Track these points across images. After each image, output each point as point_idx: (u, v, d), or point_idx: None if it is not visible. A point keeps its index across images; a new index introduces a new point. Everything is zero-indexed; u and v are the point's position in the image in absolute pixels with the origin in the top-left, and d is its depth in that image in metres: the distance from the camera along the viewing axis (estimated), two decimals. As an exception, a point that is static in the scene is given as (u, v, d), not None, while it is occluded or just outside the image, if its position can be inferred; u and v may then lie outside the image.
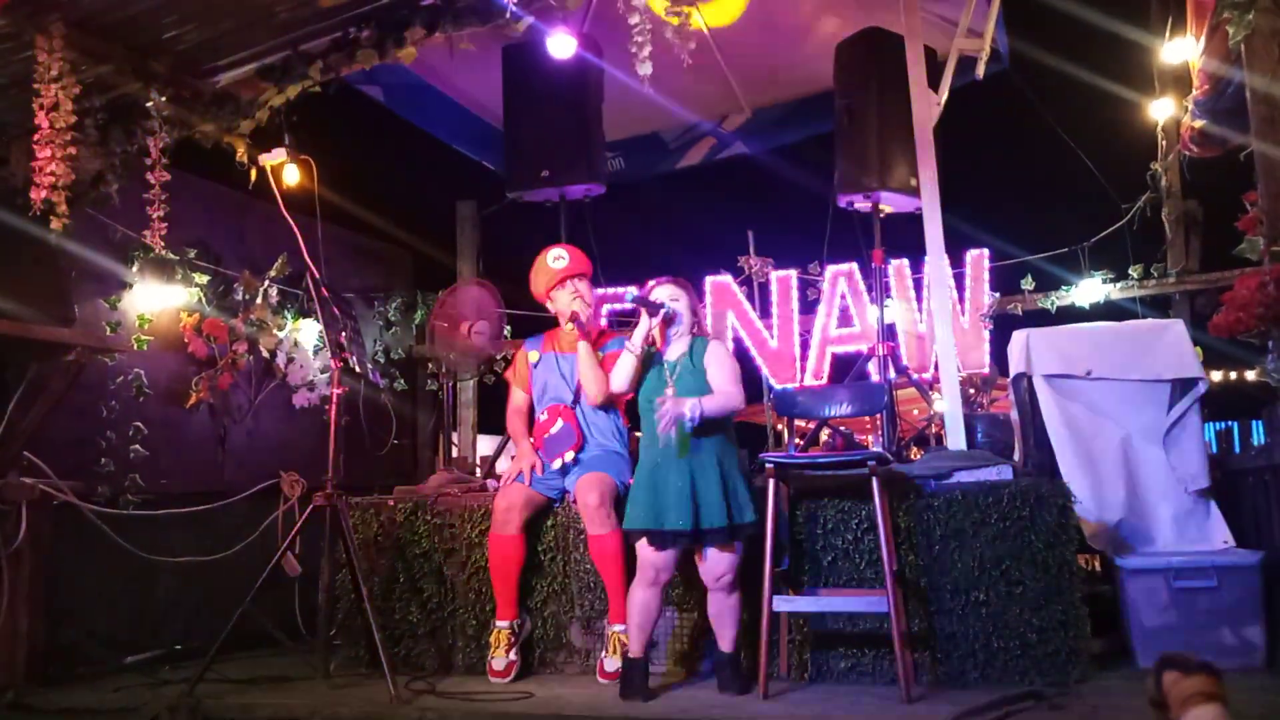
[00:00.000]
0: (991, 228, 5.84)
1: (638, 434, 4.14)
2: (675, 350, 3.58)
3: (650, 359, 3.60)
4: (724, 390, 3.44)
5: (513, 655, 3.78)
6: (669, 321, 3.56)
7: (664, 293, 3.59)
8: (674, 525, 3.34)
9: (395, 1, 4.04)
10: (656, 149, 7.01)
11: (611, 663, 3.67)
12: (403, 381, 6.27)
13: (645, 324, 3.54)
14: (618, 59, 5.21)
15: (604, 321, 4.34)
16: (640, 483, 3.46)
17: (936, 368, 4.86)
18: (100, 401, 4.46)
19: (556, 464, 3.94)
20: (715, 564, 3.41)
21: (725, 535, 3.35)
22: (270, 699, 3.58)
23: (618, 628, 3.68)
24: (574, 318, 3.97)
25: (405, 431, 6.17)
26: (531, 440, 4.05)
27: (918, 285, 5.43)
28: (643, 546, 3.43)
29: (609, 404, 3.98)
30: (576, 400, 4.01)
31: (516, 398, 4.23)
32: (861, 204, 5.37)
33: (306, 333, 5.43)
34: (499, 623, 3.83)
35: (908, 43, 4.48)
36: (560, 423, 3.97)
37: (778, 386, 5.44)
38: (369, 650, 4.00)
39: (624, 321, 5.64)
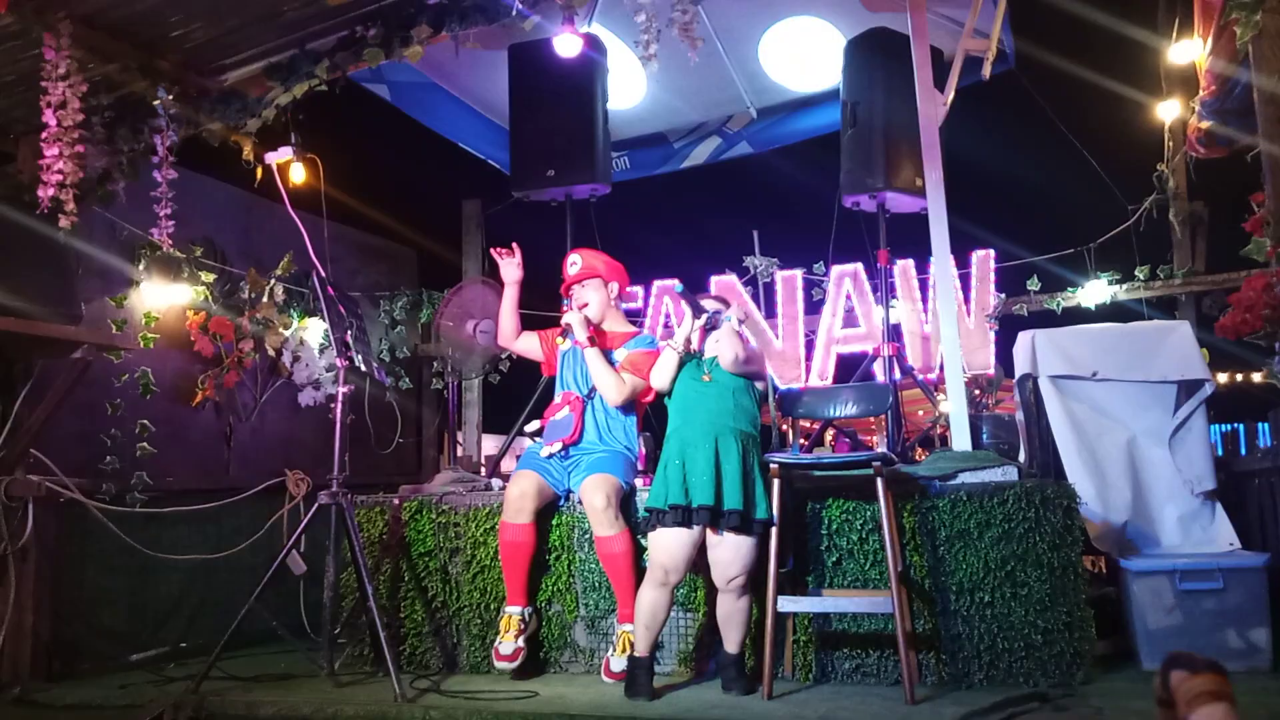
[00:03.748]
0: (997, 228, 5.84)
1: (645, 433, 4.16)
2: (711, 351, 3.66)
3: (687, 355, 3.69)
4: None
5: (520, 642, 3.74)
6: (710, 328, 3.64)
7: (712, 305, 3.71)
8: (700, 501, 3.36)
9: (402, 0, 4.04)
10: (662, 148, 7.02)
11: (618, 662, 3.66)
12: (408, 380, 6.27)
13: (689, 323, 3.64)
14: (624, 57, 5.23)
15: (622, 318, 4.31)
16: (669, 462, 3.48)
17: (942, 368, 4.86)
18: (106, 399, 4.47)
19: (545, 451, 3.95)
20: (729, 564, 3.41)
21: (739, 520, 3.36)
22: (275, 697, 3.58)
23: (626, 627, 3.67)
24: (564, 330, 4.03)
25: (410, 430, 6.17)
26: (540, 420, 4.10)
27: (923, 285, 5.43)
28: (658, 542, 3.44)
29: (628, 406, 4.00)
30: (590, 397, 4.01)
31: (527, 335, 4.24)
32: (867, 204, 5.37)
33: (312, 331, 5.44)
34: (509, 608, 3.79)
35: (914, 43, 4.48)
36: (566, 410, 3.98)
37: (783, 387, 5.44)
38: (374, 648, 4.01)
39: (632, 321, 5.65)
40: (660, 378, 3.67)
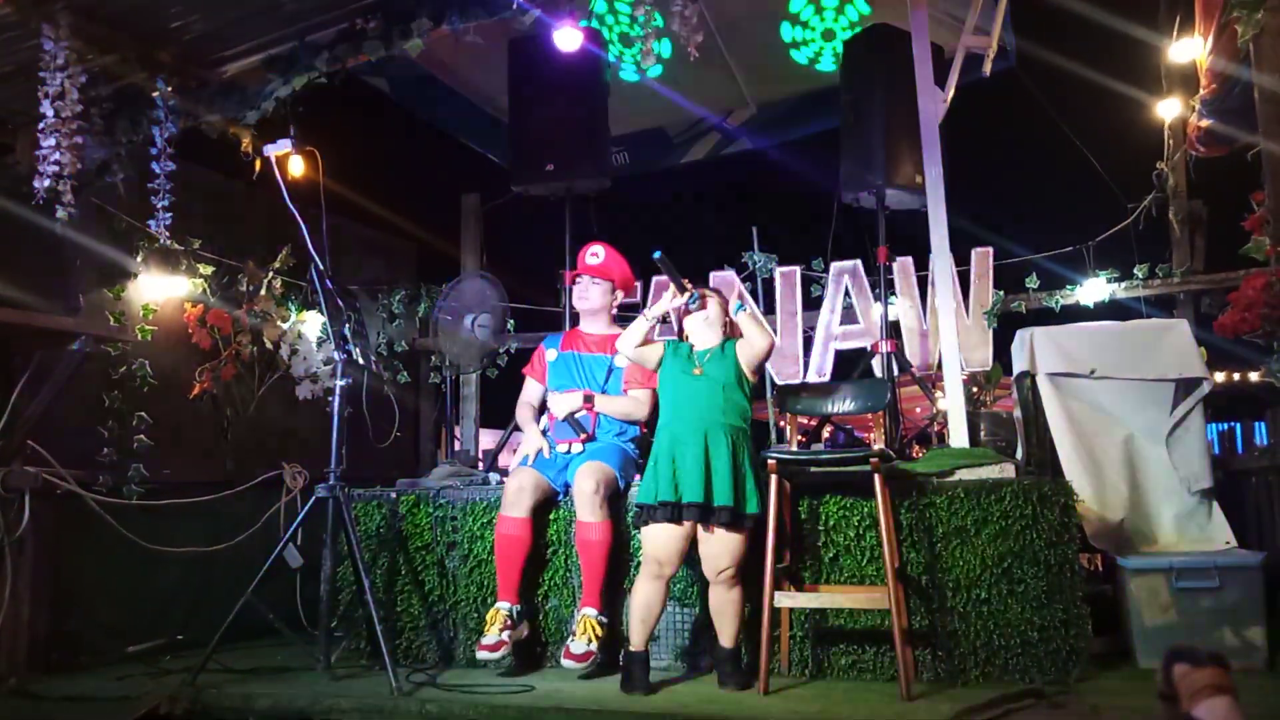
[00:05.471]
0: (996, 225, 5.83)
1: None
2: (705, 342, 3.63)
3: (677, 347, 3.67)
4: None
5: (504, 635, 3.69)
6: (692, 308, 3.60)
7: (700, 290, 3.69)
8: (689, 498, 3.37)
9: (401, -6, 4.04)
10: (661, 144, 7.01)
11: (578, 645, 3.59)
12: (406, 374, 6.26)
13: (667, 298, 3.64)
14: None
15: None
16: (659, 457, 3.48)
17: (940, 365, 4.86)
18: (104, 391, 4.46)
19: (562, 449, 3.96)
20: (718, 557, 3.41)
21: (729, 516, 3.36)
22: (271, 689, 3.59)
23: (589, 612, 3.64)
24: (567, 417, 3.99)
25: (408, 424, 6.15)
26: (545, 424, 4.09)
27: (922, 282, 5.43)
28: (651, 535, 3.44)
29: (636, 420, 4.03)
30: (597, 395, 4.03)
31: (530, 390, 4.24)
32: (866, 200, 5.37)
33: (310, 324, 5.43)
34: (499, 604, 3.75)
35: (915, 39, 4.47)
36: (584, 412, 3.98)
37: (781, 383, 5.44)
38: (370, 642, 4.01)
39: (627, 319, 5.65)
40: (625, 341, 3.67)
